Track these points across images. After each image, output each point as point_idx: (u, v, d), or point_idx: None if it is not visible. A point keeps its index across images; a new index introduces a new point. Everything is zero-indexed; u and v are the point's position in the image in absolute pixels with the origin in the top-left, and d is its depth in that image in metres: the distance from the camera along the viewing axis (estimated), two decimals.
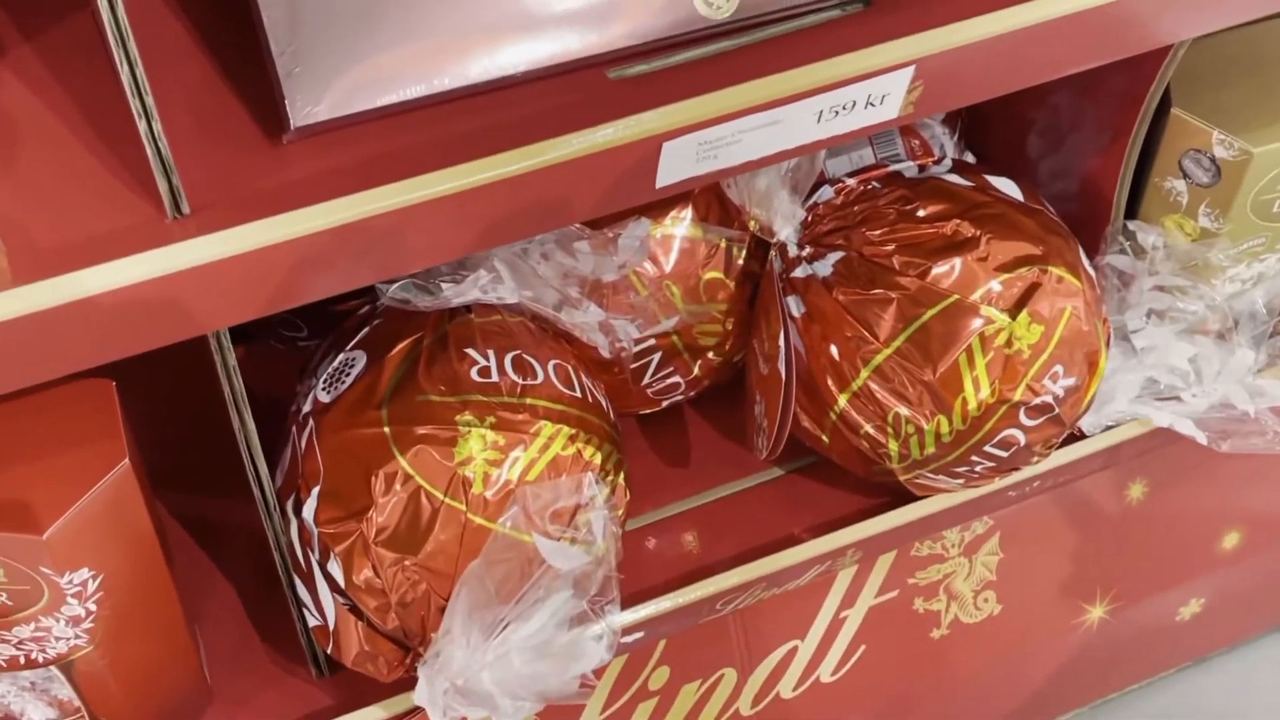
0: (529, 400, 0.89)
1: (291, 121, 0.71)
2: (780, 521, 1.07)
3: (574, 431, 0.89)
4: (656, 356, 1.01)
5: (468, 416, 0.87)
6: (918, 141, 1.08)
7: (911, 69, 0.74)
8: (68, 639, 0.83)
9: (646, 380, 1.03)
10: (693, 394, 1.07)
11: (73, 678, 0.86)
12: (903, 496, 1.06)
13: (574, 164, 0.69)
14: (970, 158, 1.16)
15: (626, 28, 0.74)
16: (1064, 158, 1.11)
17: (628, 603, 0.99)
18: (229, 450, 0.89)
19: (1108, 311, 1.06)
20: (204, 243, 0.66)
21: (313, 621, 0.90)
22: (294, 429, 0.90)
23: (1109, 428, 1.08)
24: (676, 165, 0.72)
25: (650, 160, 0.71)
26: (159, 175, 0.67)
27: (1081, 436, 1.08)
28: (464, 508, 0.86)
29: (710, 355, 1.03)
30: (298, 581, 0.90)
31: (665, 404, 1.06)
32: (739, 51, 0.75)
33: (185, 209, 0.68)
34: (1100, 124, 1.04)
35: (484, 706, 0.79)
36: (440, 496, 0.85)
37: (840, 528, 1.04)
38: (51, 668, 0.85)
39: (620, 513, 0.93)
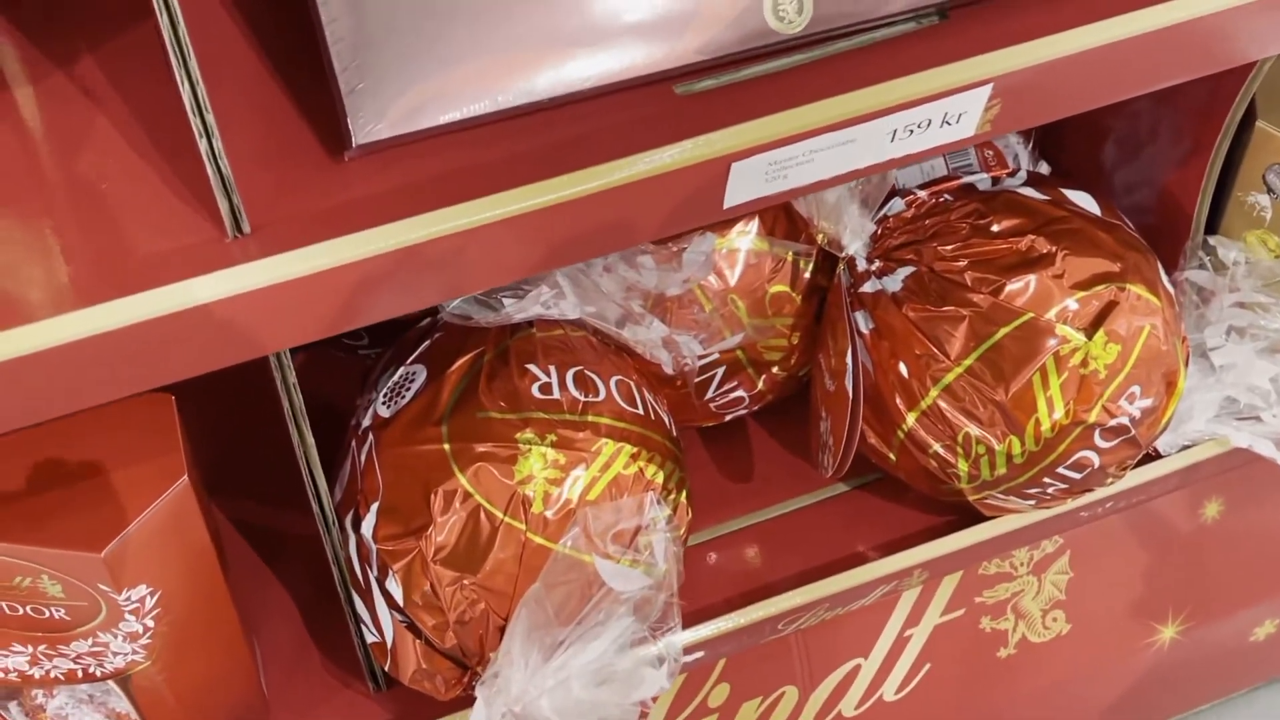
0: (590, 418, 0.87)
1: (354, 139, 0.70)
2: (845, 539, 1.05)
3: (636, 450, 0.88)
4: (720, 371, 0.99)
5: (528, 434, 0.85)
6: (991, 152, 1.06)
7: (989, 87, 0.71)
8: (125, 654, 0.82)
9: (710, 395, 1.01)
10: (756, 407, 1.05)
11: (130, 692, 0.85)
12: (970, 515, 1.03)
13: (640, 185, 0.68)
14: (1045, 168, 1.14)
15: (696, 42, 0.72)
16: (1141, 169, 1.08)
17: (688, 621, 0.97)
18: (289, 462, 0.89)
19: (1186, 329, 1.03)
20: (265, 265, 0.65)
21: (371, 638, 0.89)
22: (353, 443, 0.89)
23: (1185, 447, 1.05)
24: (745, 185, 0.70)
25: (718, 181, 0.69)
26: (219, 194, 0.66)
27: (1157, 456, 1.05)
28: (524, 527, 0.84)
29: (775, 370, 1.01)
30: (356, 598, 0.89)
31: (729, 417, 1.05)
32: (810, 67, 0.73)
33: (246, 228, 0.67)
34: (1180, 136, 1.01)
35: None
36: (500, 515, 0.84)
37: (906, 547, 1.01)
38: (109, 681, 0.85)
39: (682, 531, 0.92)
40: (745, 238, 0.96)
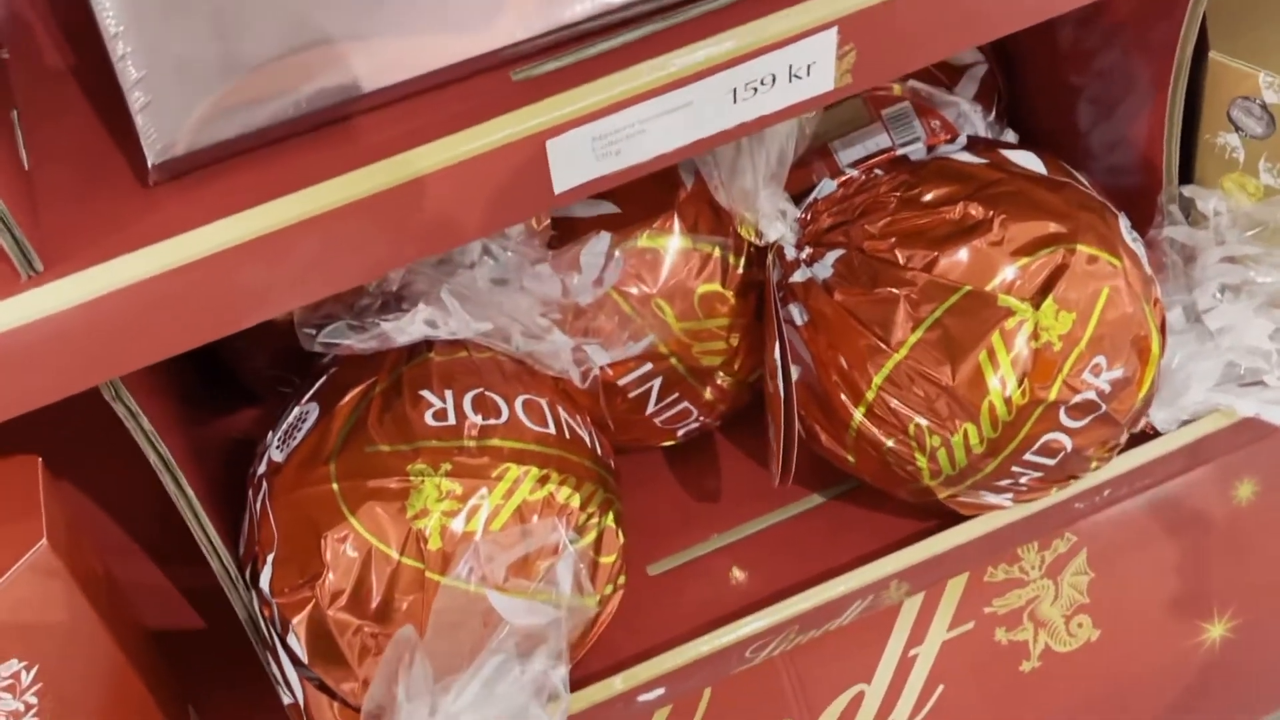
0: (493, 442, 0.81)
1: (150, 158, 0.65)
2: (821, 555, 0.97)
3: (545, 472, 0.81)
4: (656, 383, 0.92)
5: (420, 465, 0.79)
6: (938, 122, 0.98)
7: (834, 31, 0.64)
8: None
9: (652, 409, 0.94)
10: (715, 421, 0.98)
11: None
12: (955, 519, 0.95)
13: (451, 173, 0.62)
14: (1012, 136, 1.05)
15: (516, 23, 0.66)
16: (1115, 127, 0.99)
17: (647, 655, 0.90)
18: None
19: (1173, 291, 0.93)
20: (54, 289, 0.61)
21: (286, 699, 0.84)
22: (250, 492, 0.84)
23: (1186, 422, 0.95)
24: (573, 165, 0.64)
25: (538, 162, 0.63)
26: (2, 233, 0.62)
27: (1156, 435, 0.95)
28: (423, 565, 0.78)
29: (720, 378, 0.93)
30: (270, 659, 0.84)
31: (681, 433, 0.97)
32: (658, 36, 0.66)
33: (38, 266, 0.63)
34: (1135, 83, 0.92)
35: None
36: (395, 555, 0.78)
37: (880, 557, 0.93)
38: None
39: (613, 559, 0.85)
40: (664, 236, 0.89)
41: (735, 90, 0.64)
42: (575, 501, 0.82)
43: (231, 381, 1.05)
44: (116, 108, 0.68)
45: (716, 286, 0.91)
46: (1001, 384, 0.83)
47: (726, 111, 0.65)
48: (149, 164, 0.65)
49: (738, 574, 0.97)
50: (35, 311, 0.60)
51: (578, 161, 0.64)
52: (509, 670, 0.69)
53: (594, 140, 0.63)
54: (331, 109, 0.66)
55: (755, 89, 0.65)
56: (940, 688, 1.05)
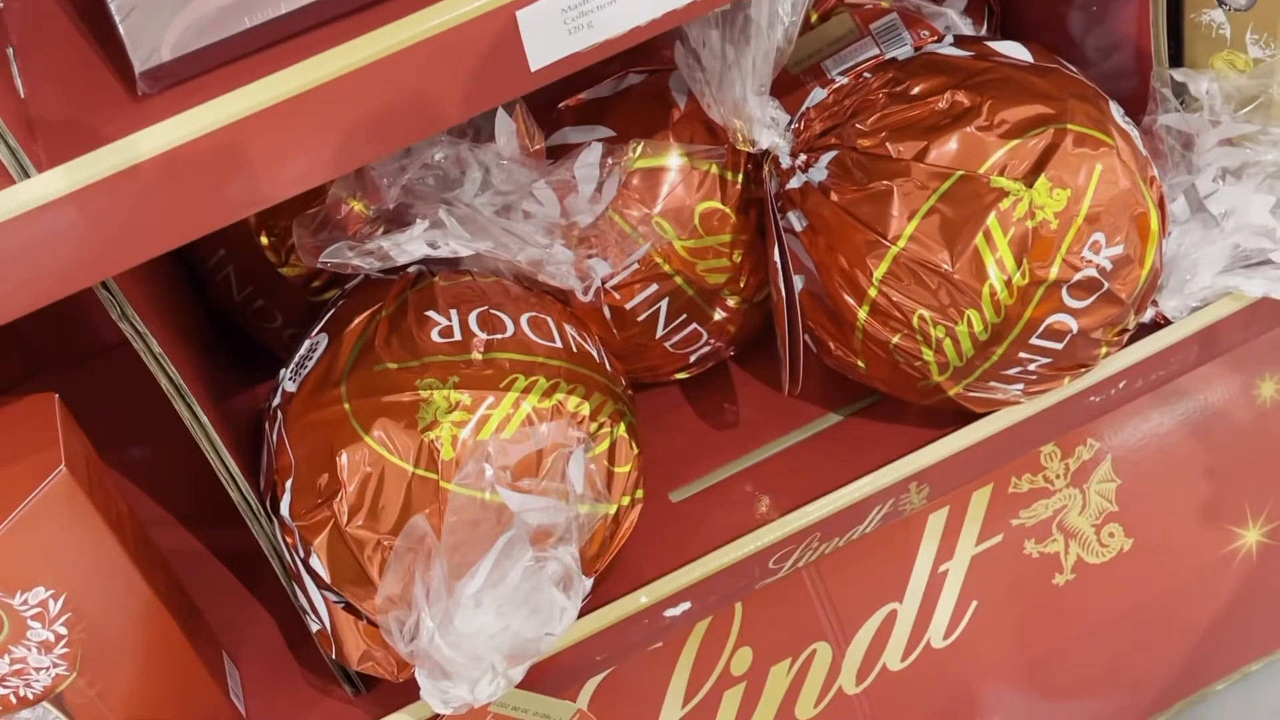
0: (497, 355, 0.82)
1: (135, 66, 0.66)
2: (841, 470, 0.96)
3: (553, 382, 0.82)
4: (664, 304, 0.93)
5: (428, 379, 0.80)
6: (927, 32, 0.98)
7: None
8: (47, 668, 0.79)
9: (661, 332, 0.94)
10: (727, 346, 0.98)
11: (67, 711, 0.82)
12: (973, 421, 0.95)
13: (421, 49, 0.63)
14: None
15: None
16: (1107, 29, 0.99)
17: (669, 570, 0.91)
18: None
19: (1173, 179, 0.93)
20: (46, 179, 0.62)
21: (315, 627, 0.84)
22: (266, 426, 0.86)
23: (1197, 309, 0.95)
24: (546, 41, 0.65)
25: (510, 37, 0.64)
26: None
27: (1167, 324, 0.95)
28: (437, 476, 0.79)
29: (727, 297, 0.94)
30: (295, 588, 0.85)
31: (694, 358, 0.98)
32: None
33: (32, 171, 0.64)
34: None
35: (461, 680, 0.71)
36: (409, 468, 0.79)
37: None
38: (46, 705, 0.81)
39: (627, 469, 0.85)
40: (660, 155, 0.90)
41: None
42: (585, 410, 0.82)
43: (260, 356, 1.07)
44: (106, 34, 0.70)
45: (716, 204, 0.91)
46: (1000, 266, 0.83)
47: None
48: (135, 72, 0.67)
49: (759, 495, 0.97)
50: (26, 201, 0.61)
51: (551, 36, 0.65)
52: (521, 553, 0.70)
53: (565, 10, 0.64)
54: (312, 9, 0.67)
55: None
56: (974, 604, 1.05)
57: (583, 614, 0.87)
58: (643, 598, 0.89)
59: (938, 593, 1.04)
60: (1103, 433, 1.05)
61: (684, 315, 0.94)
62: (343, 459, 0.79)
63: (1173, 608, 1.10)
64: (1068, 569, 1.06)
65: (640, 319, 0.93)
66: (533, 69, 0.66)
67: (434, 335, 0.82)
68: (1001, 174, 0.83)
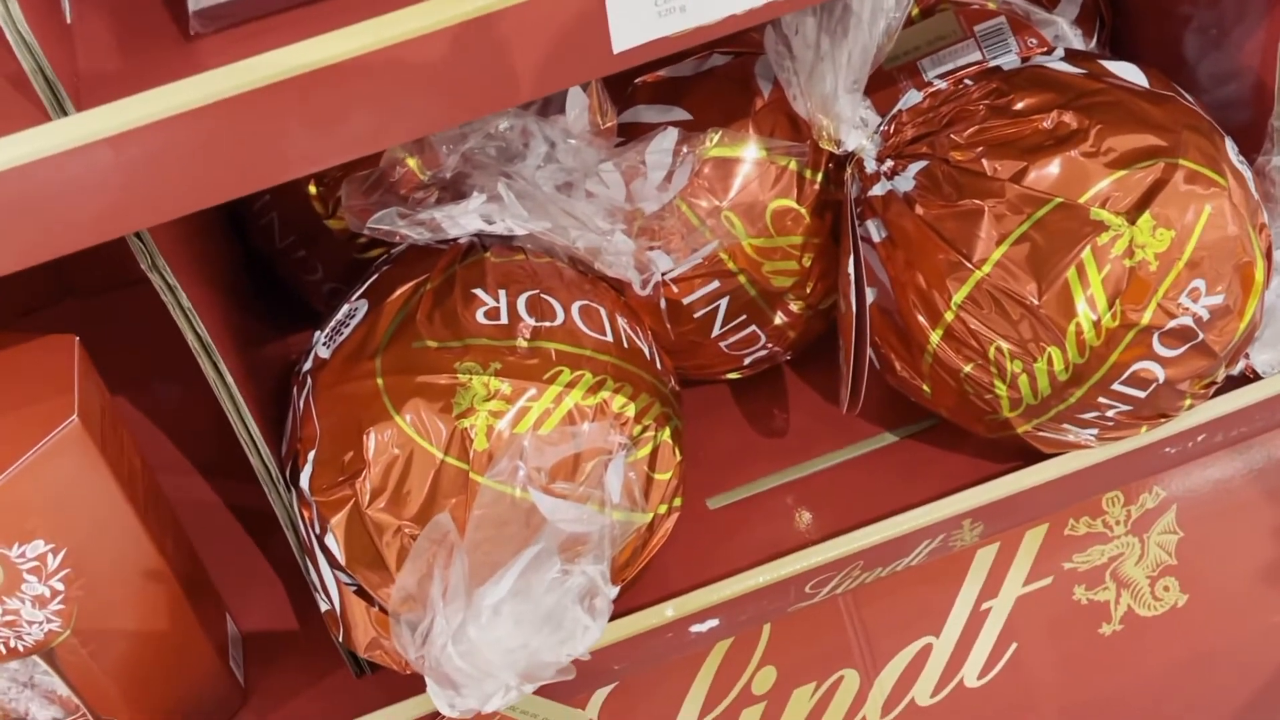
0: (544, 344, 0.77)
1: (189, 4, 0.61)
2: (891, 494, 0.92)
3: (600, 379, 0.77)
4: (724, 303, 0.88)
5: (468, 363, 0.75)
6: (1035, 40, 0.92)
7: None
8: (40, 623, 0.75)
9: (718, 332, 0.89)
10: (784, 351, 0.93)
11: (58, 667, 0.78)
12: (1036, 460, 0.89)
13: (496, 19, 0.58)
14: None
15: None
16: (1225, 56, 0.93)
17: (700, 585, 0.86)
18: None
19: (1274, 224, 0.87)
20: (81, 120, 0.58)
21: (323, 606, 0.80)
22: (294, 389, 0.81)
23: None
24: (634, 22, 0.60)
25: (595, 16, 0.59)
26: (34, 74, 0.59)
27: (1256, 378, 0.89)
28: (467, 467, 0.74)
29: (790, 301, 0.89)
30: (308, 562, 0.81)
31: (749, 360, 0.93)
32: None
33: (70, 109, 0.60)
34: (1253, 5, 0.86)
35: (470, 692, 0.67)
36: (439, 455, 0.74)
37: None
38: (35, 659, 0.78)
39: (668, 476, 0.80)
40: (738, 145, 0.85)
41: None
42: (630, 411, 0.78)
43: (298, 304, 1.03)
44: None
45: (790, 202, 0.86)
46: (1091, 305, 0.78)
47: None
48: (189, 10, 0.62)
49: (802, 511, 0.92)
50: (60, 142, 0.57)
51: (638, 17, 0.60)
52: (549, 566, 0.65)
53: None
54: None
55: None
56: (1013, 645, 1.00)
57: None
58: (669, 610, 0.84)
59: (977, 630, 0.99)
60: (1170, 481, 1.00)
61: (743, 316, 0.89)
62: (370, 438, 0.75)
63: (1221, 671, 1.04)
64: (1116, 619, 1.01)
65: (697, 315, 0.88)
66: (615, 50, 0.61)
67: (479, 316, 0.77)
68: (1103, 206, 0.77)
